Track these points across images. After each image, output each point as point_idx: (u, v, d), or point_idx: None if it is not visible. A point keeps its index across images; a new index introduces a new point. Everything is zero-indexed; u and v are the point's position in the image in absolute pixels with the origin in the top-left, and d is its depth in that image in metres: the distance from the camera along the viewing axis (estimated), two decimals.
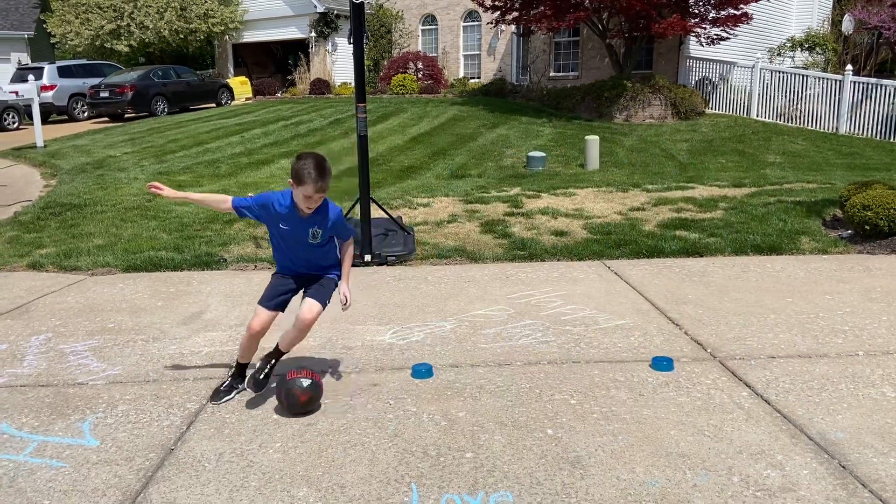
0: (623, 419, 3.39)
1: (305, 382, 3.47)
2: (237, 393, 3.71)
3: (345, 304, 3.64)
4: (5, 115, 20.10)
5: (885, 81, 15.90)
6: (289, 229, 3.49)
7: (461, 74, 25.01)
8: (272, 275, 3.72)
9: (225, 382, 3.74)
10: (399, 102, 21.55)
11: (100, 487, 2.92)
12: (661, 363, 3.97)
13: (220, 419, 3.48)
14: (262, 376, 3.64)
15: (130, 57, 28.25)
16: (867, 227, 6.63)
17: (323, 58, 26.78)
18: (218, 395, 3.68)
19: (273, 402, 3.65)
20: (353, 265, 6.28)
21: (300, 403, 3.47)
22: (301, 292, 3.69)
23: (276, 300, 3.61)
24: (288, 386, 3.48)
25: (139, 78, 21.95)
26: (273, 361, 3.73)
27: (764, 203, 8.36)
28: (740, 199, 8.66)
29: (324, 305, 3.59)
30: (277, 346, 3.72)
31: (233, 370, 3.78)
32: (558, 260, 6.40)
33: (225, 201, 3.57)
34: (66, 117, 22.58)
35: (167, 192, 3.58)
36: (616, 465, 3.00)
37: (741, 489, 2.80)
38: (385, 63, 25.43)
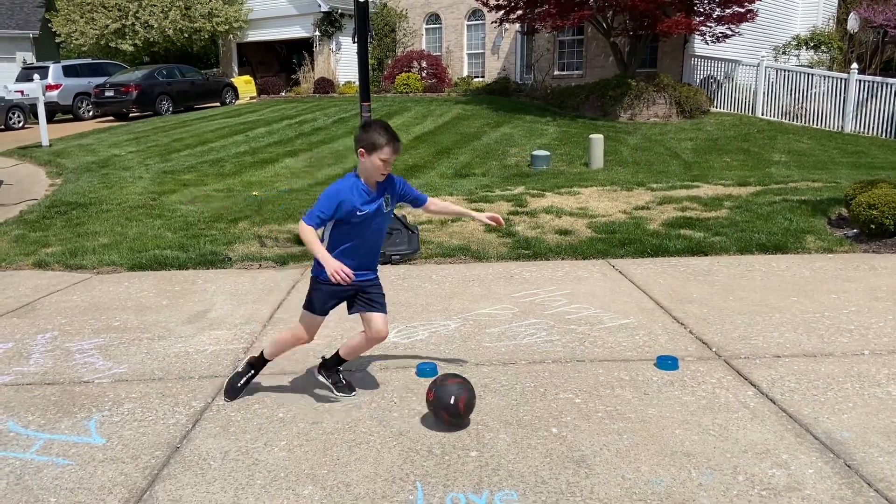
0: (628, 418, 3.39)
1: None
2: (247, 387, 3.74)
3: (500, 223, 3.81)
4: (11, 115, 20.16)
5: (890, 80, 15.85)
6: (366, 211, 3.35)
7: (465, 73, 24.99)
8: (319, 281, 3.45)
9: (241, 375, 3.71)
10: (403, 101, 21.55)
11: (106, 485, 2.93)
12: (666, 362, 3.97)
13: (226, 417, 3.49)
14: (240, 383, 3.70)
15: (135, 56, 28.28)
16: (873, 226, 6.61)
17: (327, 57, 26.79)
18: (236, 391, 3.68)
19: (278, 400, 3.66)
20: None
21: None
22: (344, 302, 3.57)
23: (328, 307, 3.53)
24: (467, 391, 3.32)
25: (144, 77, 21.98)
26: (255, 372, 3.74)
27: (769, 202, 8.34)
28: (745, 198, 8.64)
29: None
30: (262, 354, 3.71)
31: (252, 363, 3.73)
32: (563, 259, 6.40)
33: (302, 230, 3.31)
34: (71, 116, 22.64)
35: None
36: (621, 463, 3.00)
37: (746, 488, 2.80)
38: (389, 62, 25.42)
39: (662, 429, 3.28)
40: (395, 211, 7.63)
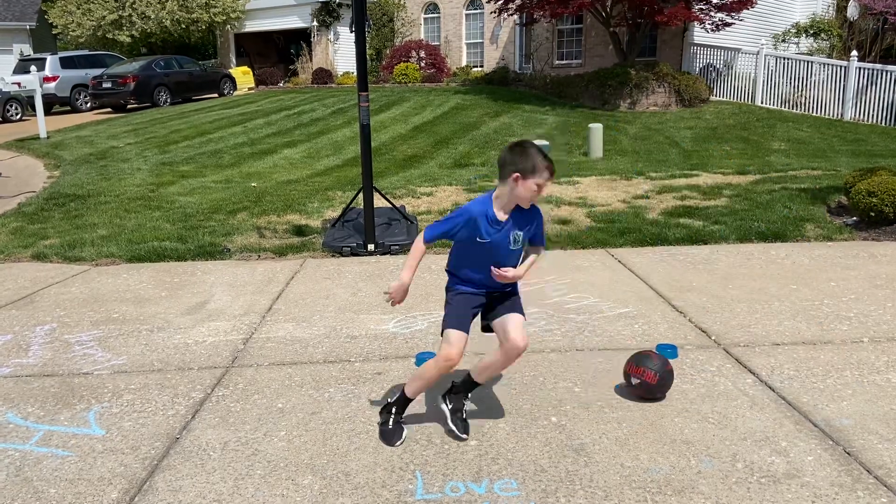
0: (627, 406, 3.39)
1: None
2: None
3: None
4: (8, 107, 20.11)
5: (890, 67, 15.79)
6: (488, 241, 3.02)
7: (464, 63, 24.92)
8: (454, 293, 3.16)
9: (390, 420, 3.20)
10: (402, 91, 21.48)
11: (105, 476, 2.93)
12: (666, 350, 3.96)
13: (225, 408, 3.49)
14: (464, 416, 3.25)
15: (132, 47, 28.21)
16: (872, 214, 6.60)
17: (325, 47, 26.70)
18: (389, 437, 3.15)
19: (277, 390, 3.66)
20: (356, 254, 6.33)
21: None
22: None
23: (467, 321, 3.11)
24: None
25: (141, 68, 21.91)
26: (468, 397, 3.28)
27: (768, 190, 8.32)
28: (745, 187, 8.63)
29: None
30: (469, 376, 3.24)
31: (395, 405, 3.20)
32: (562, 248, 6.39)
33: (418, 248, 3.08)
34: (68, 108, 22.58)
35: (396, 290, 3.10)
36: (620, 452, 3.00)
37: (746, 475, 2.80)
38: (387, 52, 25.34)
39: (661, 417, 3.28)
40: (395, 201, 7.66)
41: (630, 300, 4.93)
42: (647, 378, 3.37)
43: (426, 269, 5.82)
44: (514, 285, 3.20)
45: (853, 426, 3.15)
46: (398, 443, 3.11)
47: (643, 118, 16.13)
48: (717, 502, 2.64)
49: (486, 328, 3.25)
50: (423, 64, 24.07)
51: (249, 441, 3.17)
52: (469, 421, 3.25)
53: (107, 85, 21.44)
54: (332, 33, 26.67)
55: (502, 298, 3.17)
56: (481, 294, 3.15)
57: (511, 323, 3.08)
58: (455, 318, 3.08)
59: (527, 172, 2.91)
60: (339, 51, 26.74)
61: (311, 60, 26.86)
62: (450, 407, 3.23)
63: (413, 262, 3.08)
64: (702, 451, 2.99)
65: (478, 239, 3.01)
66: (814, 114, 16.93)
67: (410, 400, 3.21)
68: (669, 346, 3.99)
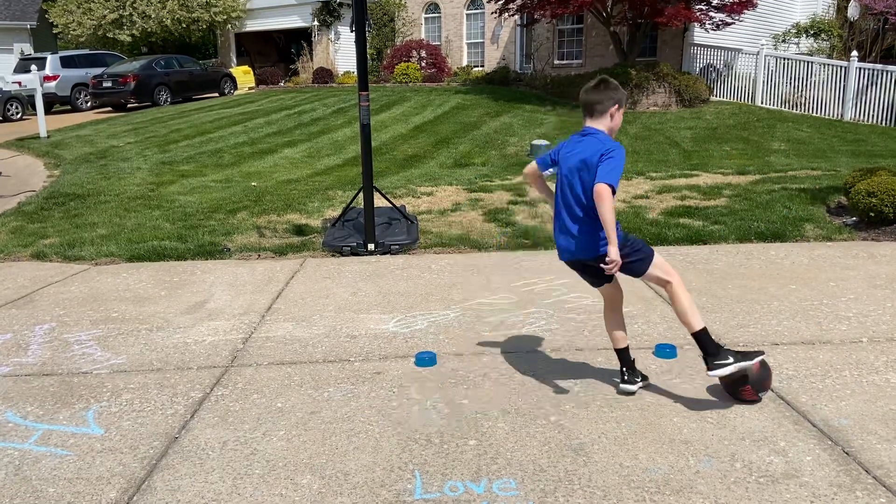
0: (626, 406, 3.39)
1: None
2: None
3: None
4: (9, 106, 20.10)
5: (890, 67, 15.78)
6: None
7: (464, 63, 24.91)
8: (628, 236, 3.23)
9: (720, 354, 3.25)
10: (402, 91, 21.48)
11: (104, 475, 2.93)
12: (665, 350, 3.97)
13: (225, 408, 3.49)
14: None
15: (133, 47, 28.18)
16: (872, 214, 6.60)
17: (325, 47, 26.70)
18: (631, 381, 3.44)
19: (277, 390, 3.66)
20: (356, 254, 6.34)
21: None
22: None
23: None
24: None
25: (142, 68, 21.91)
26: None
27: (768, 190, 8.32)
28: (744, 187, 8.63)
29: None
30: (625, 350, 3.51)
31: (702, 345, 3.27)
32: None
33: (607, 196, 2.97)
34: (69, 107, 22.57)
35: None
36: (619, 451, 3.00)
37: (744, 475, 2.80)
38: (388, 52, 25.33)
39: (660, 417, 3.28)
40: (395, 201, 7.66)
41: (629, 300, 4.90)
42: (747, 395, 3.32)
43: (426, 270, 5.82)
44: None
45: (852, 426, 3.15)
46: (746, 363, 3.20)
47: (643, 118, 16.13)
48: (716, 502, 2.64)
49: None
50: (423, 63, 24.07)
51: (248, 440, 3.17)
52: (467, 420, 3.26)
53: (107, 84, 21.43)
54: (332, 33, 26.67)
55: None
56: None
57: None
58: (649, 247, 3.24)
59: (623, 102, 3.18)
60: (339, 50, 26.73)
61: (311, 60, 26.85)
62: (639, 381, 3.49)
63: (611, 217, 2.98)
64: (700, 450, 2.99)
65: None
66: (814, 114, 16.92)
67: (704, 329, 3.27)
68: (668, 346, 3.99)
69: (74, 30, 27.32)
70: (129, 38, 26.97)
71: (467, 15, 24.85)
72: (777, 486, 2.73)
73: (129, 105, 21.62)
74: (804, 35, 20.94)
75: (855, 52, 16.86)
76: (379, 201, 6.76)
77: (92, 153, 13.07)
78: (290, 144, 13.75)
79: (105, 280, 5.77)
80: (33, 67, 17.41)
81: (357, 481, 2.84)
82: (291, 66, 28.15)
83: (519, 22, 22.09)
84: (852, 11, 20.06)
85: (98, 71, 22.46)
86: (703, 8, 17.13)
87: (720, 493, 2.69)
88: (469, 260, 6.09)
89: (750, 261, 5.83)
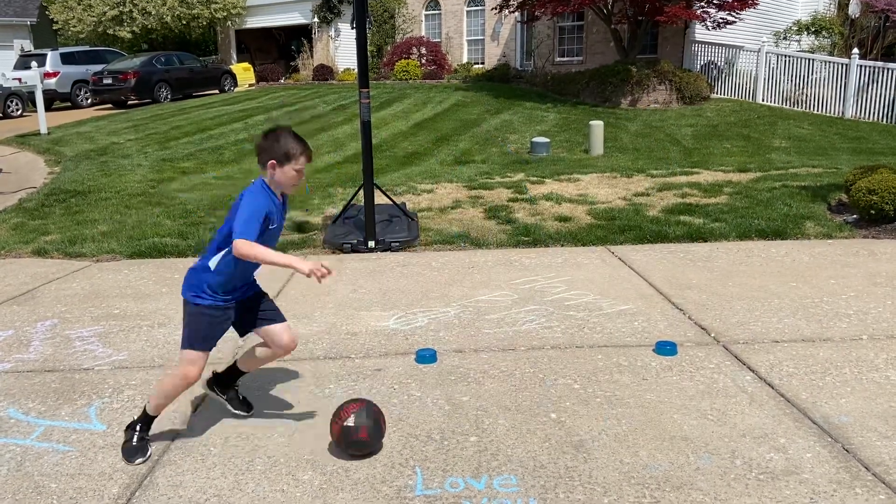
0: (626, 403, 3.40)
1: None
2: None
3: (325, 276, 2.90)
4: (9, 103, 20.09)
5: (891, 65, 15.76)
6: (276, 226, 3.03)
7: (465, 60, 24.87)
8: (203, 310, 2.97)
9: (133, 438, 3.04)
10: (402, 88, 21.46)
11: (106, 471, 2.94)
12: (665, 347, 3.97)
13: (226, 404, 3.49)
14: (241, 396, 3.38)
15: (133, 43, 28.15)
16: (873, 212, 6.60)
17: (326, 43, 26.67)
18: (132, 454, 3.01)
19: (278, 386, 3.67)
20: (357, 251, 6.33)
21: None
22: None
23: (216, 341, 3.05)
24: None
25: (142, 64, 21.88)
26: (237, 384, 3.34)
27: (769, 188, 8.32)
28: (745, 184, 8.63)
29: None
30: (236, 365, 3.30)
31: (140, 422, 3.06)
32: (562, 245, 6.40)
33: (244, 245, 2.81)
34: (69, 104, 22.55)
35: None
36: (619, 448, 3.01)
37: (744, 472, 2.81)
38: (388, 48, 25.29)
39: (661, 414, 3.29)
40: (396, 198, 7.66)
41: (630, 297, 4.94)
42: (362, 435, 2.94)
43: (427, 267, 5.83)
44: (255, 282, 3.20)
45: (852, 423, 3.16)
46: (140, 461, 2.98)
47: (644, 115, 16.12)
48: (716, 498, 2.65)
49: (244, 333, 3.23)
50: (423, 60, 24.03)
51: (250, 436, 3.18)
52: (468, 416, 3.26)
53: (107, 81, 21.41)
54: (332, 30, 26.63)
55: (247, 305, 3.11)
56: (230, 308, 3.03)
57: (281, 327, 3.13)
58: (205, 338, 2.99)
59: (286, 160, 2.92)
60: (339, 47, 26.69)
61: (311, 57, 26.82)
62: (224, 396, 3.32)
63: (267, 250, 2.88)
64: (701, 447, 3.00)
65: (270, 226, 2.96)
66: (815, 111, 16.91)
67: (154, 417, 3.09)
68: (669, 344, 4.00)
69: (75, 26, 27.29)
70: (129, 35, 26.94)
71: (468, 12, 24.80)
72: (777, 482, 2.74)
73: (129, 102, 21.60)
74: (805, 32, 20.91)
75: (856, 50, 16.84)
76: (379, 198, 6.76)
77: (92, 150, 13.06)
78: None
79: (106, 277, 5.78)
80: (34, 64, 17.39)
81: (358, 477, 2.84)
82: (292, 63, 28.11)
83: (519, 19, 22.06)
84: (853, 9, 20.03)
85: (98, 68, 22.43)
86: (704, 6, 17.10)
87: (720, 490, 2.70)
88: (469, 257, 6.09)
89: (750, 258, 5.83)
